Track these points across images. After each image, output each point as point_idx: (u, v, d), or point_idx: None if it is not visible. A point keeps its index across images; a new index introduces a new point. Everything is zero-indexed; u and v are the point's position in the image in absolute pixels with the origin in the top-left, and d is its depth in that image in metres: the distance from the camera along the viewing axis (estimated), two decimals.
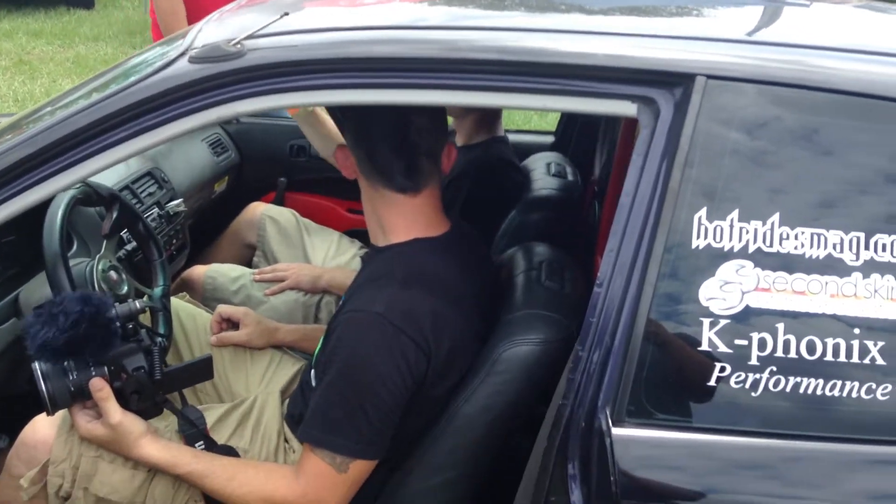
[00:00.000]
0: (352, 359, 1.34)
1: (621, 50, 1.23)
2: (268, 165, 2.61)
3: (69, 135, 1.25)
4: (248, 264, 2.50)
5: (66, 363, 1.29)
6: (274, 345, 1.84)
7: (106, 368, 1.31)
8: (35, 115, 1.46)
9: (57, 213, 1.52)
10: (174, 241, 2.15)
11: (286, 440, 1.60)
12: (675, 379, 1.17)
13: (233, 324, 1.84)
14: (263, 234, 2.49)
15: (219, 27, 1.45)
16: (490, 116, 2.16)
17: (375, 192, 1.45)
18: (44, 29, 7.62)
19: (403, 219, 1.46)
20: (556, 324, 1.41)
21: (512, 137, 2.37)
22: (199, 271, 2.23)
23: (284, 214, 2.52)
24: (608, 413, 1.15)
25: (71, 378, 1.29)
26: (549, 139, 2.70)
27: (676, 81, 1.19)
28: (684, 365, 1.17)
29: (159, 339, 1.37)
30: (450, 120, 2.31)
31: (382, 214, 1.47)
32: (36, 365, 1.28)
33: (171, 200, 2.16)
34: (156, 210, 2.09)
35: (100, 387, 1.29)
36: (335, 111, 1.53)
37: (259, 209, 2.54)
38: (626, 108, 1.22)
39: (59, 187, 1.28)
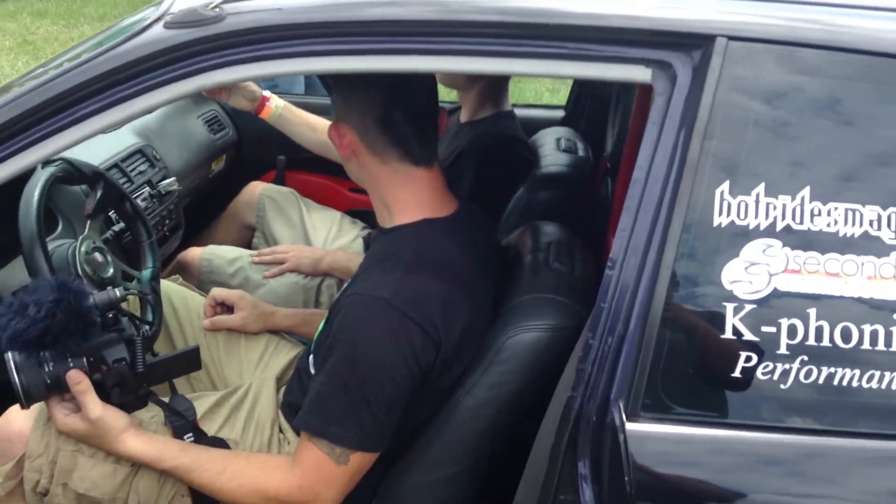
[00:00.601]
0: (354, 345, 1.25)
1: (634, 9, 1.13)
2: (267, 143, 2.51)
3: (34, 108, 1.16)
4: (248, 246, 2.42)
5: (41, 354, 1.21)
6: (270, 330, 1.76)
7: (85, 360, 1.23)
8: (4, 88, 1.37)
9: (34, 192, 1.43)
10: (167, 221, 2.06)
11: (281, 430, 1.52)
12: (695, 370, 1.07)
13: (227, 308, 1.75)
14: (263, 214, 2.40)
15: None
16: (495, 90, 2.05)
17: (383, 168, 1.35)
18: (48, 9, 7.54)
19: (413, 196, 1.37)
20: (565, 308, 1.32)
21: (520, 112, 2.26)
22: (194, 253, 2.15)
23: (284, 194, 2.43)
24: (621, 407, 1.06)
25: (47, 370, 1.21)
26: (560, 114, 2.59)
27: (695, 43, 1.09)
28: (706, 354, 1.07)
29: (143, 329, 1.28)
30: (454, 94, 2.21)
31: (389, 193, 1.37)
32: (8, 356, 1.20)
33: (163, 179, 2.08)
34: (147, 189, 2.00)
35: (78, 380, 1.21)
36: (327, 80, 1.43)
37: (258, 189, 2.45)
38: (640, 74, 1.12)
39: (25, 164, 1.19)
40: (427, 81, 1.40)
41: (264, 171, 2.64)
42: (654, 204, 1.09)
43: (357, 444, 1.25)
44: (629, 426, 1.05)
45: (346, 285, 1.45)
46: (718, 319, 1.05)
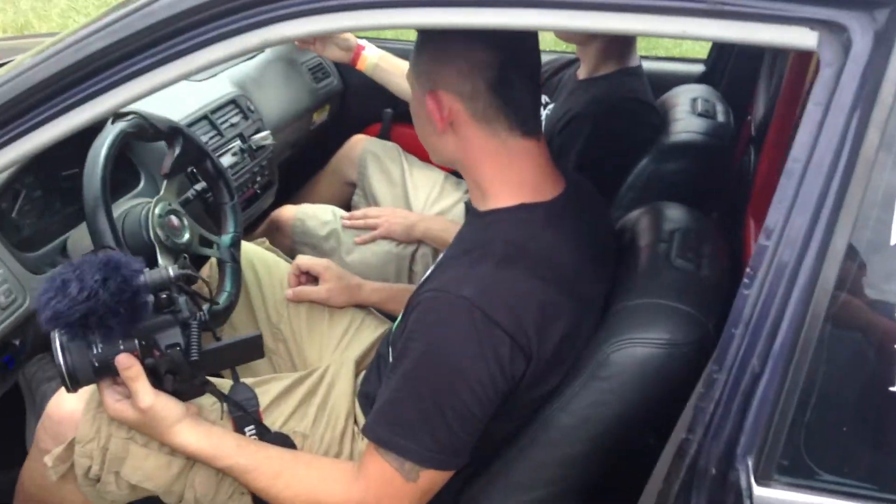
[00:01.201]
0: (430, 350, 1.08)
1: None
2: (373, 94, 2.32)
3: (78, 63, 1.02)
4: (348, 203, 2.28)
5: (91, 334, 1.10)
6: (356, 304, 1.61)
7: (136, 342, 1.11)
8: (58, 38, 1.25)
9: (101, 151, 1.31)
10: (258, 178, 1.94)
11: (356, 422, 1.38)
12: (854, 425, 0.84)
13: (312, 278, 1.62)
14: (364, 171, 2.26)
15: None
16: (621, 42, 1.78)
17: (490, 140, 1.15)
18: None
19: (516, 175, 1.17)
20: (686, 320, 1.09)
21: (651, 66, 1.98)
22: (288, 212, 2.02)
23: (388, 149, 2.27)
24: (750, 465, 0.84)
25: (95, 352, 1.10)
26: (699, 69, 2.27)
27: (878, 0, 0.82)
28: (872, 406, 0.83)
29: (200, 313, 1.15)
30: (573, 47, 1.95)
31: (490, 170, 1.17)
32: (55, 335, 1.09)
33: (256, 132, 1.94)
34: (237, 143, 1.87)
35: (127, 364, 1.09)
36: (422, 40, 1.20)
37: (361, 144, 2.31)
38: (803, 38, 0.86)
39: (75, 124, 1.06)
40: (535, 35, 1.18)
41: (369, 123, 2.48)
42: (812, 206, 0.85)
43: (429, 460, 1.08)
44: (758, 491, 0.83)
45: (427, 274, 1.26)
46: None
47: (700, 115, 1.75)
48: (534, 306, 1.08)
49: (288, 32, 1.00)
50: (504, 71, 1.12)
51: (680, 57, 2.30)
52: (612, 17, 0.88)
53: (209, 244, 1.53)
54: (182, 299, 1.16)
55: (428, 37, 1.17)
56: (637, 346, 1.07)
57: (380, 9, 0.97)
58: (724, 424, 0.87)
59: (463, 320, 1.06)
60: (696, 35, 0.87)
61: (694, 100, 1.81)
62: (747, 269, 0.88)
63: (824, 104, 0.85)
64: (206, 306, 1.37)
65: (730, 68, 2.15)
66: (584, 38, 1.78)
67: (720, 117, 1.79)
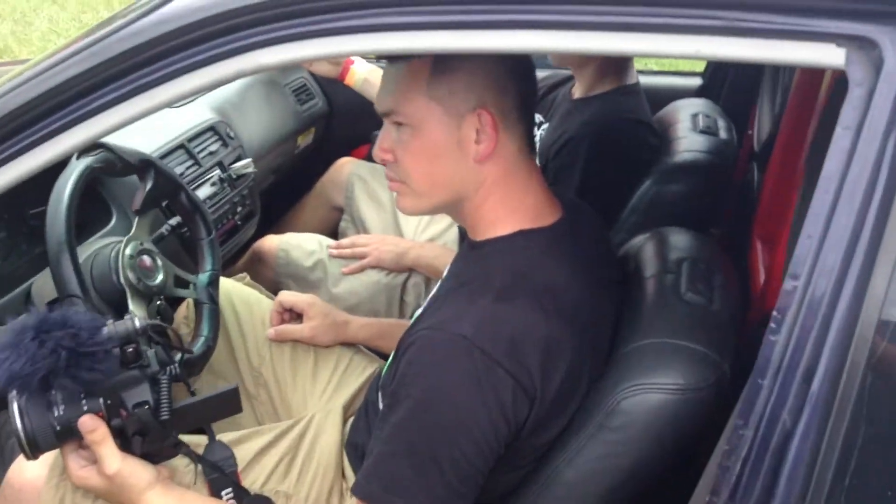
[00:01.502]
0: (425, 396, 0.98)
1: None
2: (360, 114, 2.23)
3: (38, 97, 0.94)
4: (335, 229, 2.19)
5: (51, 394, 1.00)
6: (344, 342, 1.51)
7: (101, 402, 1.02)
8: (21, 69, 1.16)
9: (64, 191, 1.22)
10: (239, 208, 1.84)
11: (344, 475, 1.28)
12: None
13: (296, 315, 1.53)
14: (351, 195, 2.17)
15: None
16: (619, 59, 1.69)
17: (509, 160, 1.07)
18: None
19: (519, 198, 1.09)
20: (701, 361, 1.00)
21: (647, 81, 1.90)
22: (271, 242, 1.93)
23: (377, 172, 2.18)
24: None
25: (56, 414, 1.01)
26: (697, 82, 2.19)
27: None
28: None
29: (171, 367, 1.06)
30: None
31: (495, 197, 1.08)
32: (11, 397, 1.00)
33: (237, 160, 1.85)
34: (217, 172, 1.78)
35: (92, 427, 1.00)
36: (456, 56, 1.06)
37: (348, 167, 2.22)
38: (829, 56, 0.78)
39: (36, 164, 0.98)
40: None
41: (356, 145, 2.39)
42: (845, 242, 0.76)
43: None
44: None
45: (420, 311, 1.17)
46: None
47: (702, 131, 1.67)
48: (537, 341, 0.99)
49: (264, 60, 0.92)
50: (524, 85, 1.07)
51: (676, 70, 2.23)
52: (619, 37, 0.79)
53: (185, 284, 1.43)
54: (151, 352, 1.07)
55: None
56: (649, 393, 0.98)
57: (364, 34, 0.89)
58: (752, 487, 0.78)
59: (461, 361, 0.97)
60: (712, 55, 0.79)
61: (695, 116, 1.73)
62: (774, 313, 0.79)
63: (854, 128, 0.76)
64: (180, 356, 1.27)
65: (729, 81, 2.07)
66: (580, 61, 1.69)
67: (722, 133, 1.71)
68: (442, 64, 1.03)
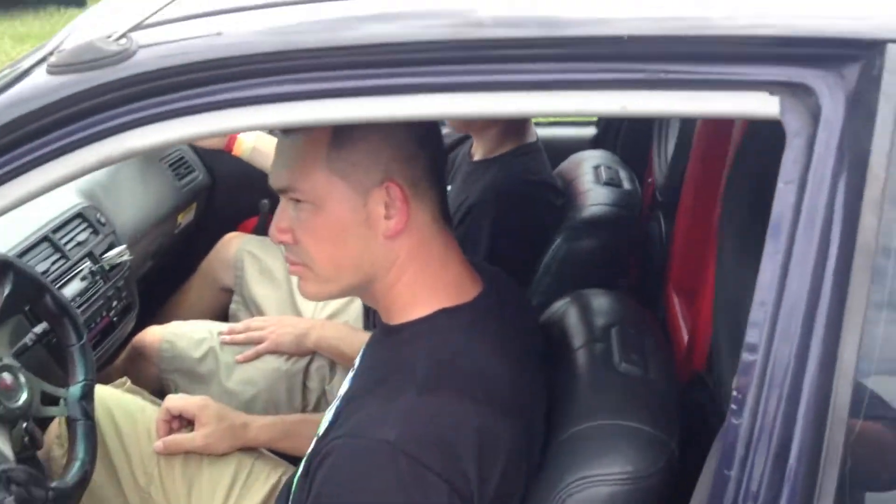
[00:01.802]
0: None
1: (750, 7, 0.74)
2: (246, 185, 2.09)
3: None
4: (225, 313, 2.02)
5: None
6: (242, 447, 1.35)
7: None
8: None
9: None
10: (114, 302, 1.66)
11: None
12: None
13: (187, 421, 1.35)
14: (242, 273, 2.00)
15: (99, 20, 0.96)
16: (520, 120, 1.63)
17: (423, 233, 0.97)
18: (31, 32, 7.18)
19: (437, 274, 0.98)
20: (649, 444, 0.91)
21: (542, 133, 1.84)
22: (153, 335, 1.74)
23: (268, 246, 2.02)
24: None
25: None
26: (591, 131, 2.17)
27: (850, 54, 0.70)
28: None
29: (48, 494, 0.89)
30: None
31: (410, 275, 0.97)
32: None
33: (109, 248, 1.67)
34: (87, 265, 1.59)
35: None
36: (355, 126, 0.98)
37: (236, 243, 2.06)
38: (762, 105, 0.73)
39: None
40: None
41: (243, 218, 2.24)
42: (801, 310, 0.69)
43: None
44: None
45: (330, 413, 1.03)
46: None
47: (606, 183, 1.62)
48: (470, 437, 0.88)
49: (133, 144, 0.80)
50: (435, 150, 0.99)
51: (571, 121, 2.21)
52: (536, 97, 0.71)
53: (55, 401, 1.24)
54: (10, 499, 0.89)
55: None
56: (597, 486, 0.88)
57: (246, 107, 0.78)
58: None
59: (386, 472, 0.84)
60: (639, 112, 0.71)
61: (596, 168, 1.68)
62: (734, 393, 0.71)
63: (797, 182, 0.70)
64: (54, 483, 1.09)
65: (623, 129, 2.06)
66: (482, 125, 1.61)
67: (626, 184, 1.67)
68: (342, 134, 0.93)
